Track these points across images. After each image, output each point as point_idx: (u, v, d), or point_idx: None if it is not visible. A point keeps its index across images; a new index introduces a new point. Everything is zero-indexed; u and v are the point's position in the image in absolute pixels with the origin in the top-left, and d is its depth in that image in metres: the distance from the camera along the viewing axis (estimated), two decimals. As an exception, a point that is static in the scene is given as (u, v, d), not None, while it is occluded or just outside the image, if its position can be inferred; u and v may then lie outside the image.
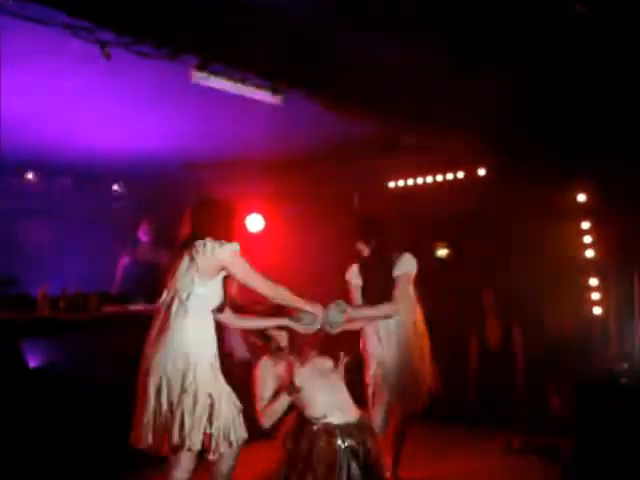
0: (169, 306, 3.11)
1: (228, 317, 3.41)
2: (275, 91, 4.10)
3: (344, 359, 3.52)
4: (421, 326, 4.28)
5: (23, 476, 4.05)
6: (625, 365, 4.64)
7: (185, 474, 3.11)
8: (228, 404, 3.11)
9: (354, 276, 4.25)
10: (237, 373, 3.76)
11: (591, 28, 3.97)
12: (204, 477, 3.24)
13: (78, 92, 4.53)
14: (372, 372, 4.22)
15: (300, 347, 3.55)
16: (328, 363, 3.53)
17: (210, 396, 3.04)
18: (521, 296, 5.81)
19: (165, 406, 2.98)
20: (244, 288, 3.32)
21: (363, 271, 4.22)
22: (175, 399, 2.97)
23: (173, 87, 4.22)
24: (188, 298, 3.09)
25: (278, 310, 3.48)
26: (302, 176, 6.91)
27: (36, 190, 6.88)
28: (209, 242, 3.15)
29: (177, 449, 3.00)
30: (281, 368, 3.44)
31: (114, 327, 4.86)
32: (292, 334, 3.52)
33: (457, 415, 5.71)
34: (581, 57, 4.35)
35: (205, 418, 3.01)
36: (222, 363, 3.21)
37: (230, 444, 3.08)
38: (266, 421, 3.34)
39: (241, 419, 3.17)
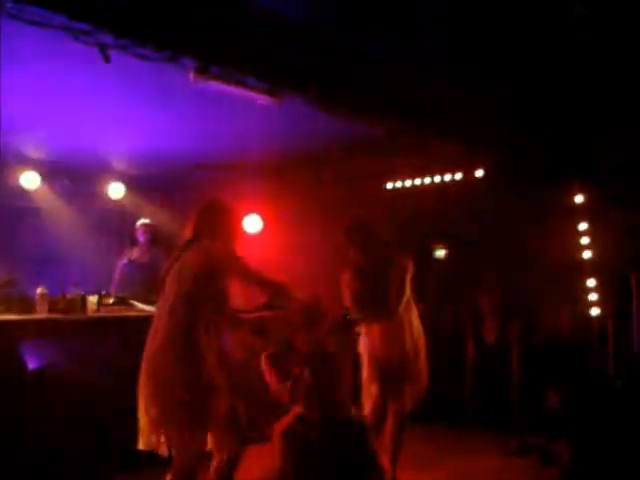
0: (169, 307, 3.12)
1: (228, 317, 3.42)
2: (273, 93, 4.11)
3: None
4: (417, 326, 4.30)
5: (22, 476, 4.06)
6: (622, 366, 4.67)
7: (190, 474, 3.13)
8: (229, 404, 3.13)
9: (349, 281, 4.26)
10: (236, 374, 3.77)
11: (591, 30, 3.99)
12: (205, 477, 3.25)
13: (78, 92, 4.54)
14: (368, 371, 4.25)
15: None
16: None
17: (212, 396, 3.06)
18: (519, 297, 5.83)
19: (167, 407, 3.00)
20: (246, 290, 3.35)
21: (358, 276, 4.24)
22: (177, 400, 2.98)
23: (173, 88, 4.23)
24: (188, 299, 3.10)
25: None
26: (300, 177, 6.92)
27: (36, 190, 6.87)
28: (207, 243, 3.17)
29: (180, 449, 3.01)
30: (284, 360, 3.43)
31: (113, 328, 4.86)
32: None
33: (454, 416, 5.72)
34: (579, 58, 4.36)
35: (208, 419, 3.03)
36: (223, 364, 3.22)
37: (232, 444, 3.09)
38: (290, 397, 3.33)
39: (242, 419, 3.18)
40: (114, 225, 7.25)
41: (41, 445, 4.15)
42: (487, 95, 4.80)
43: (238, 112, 4.70)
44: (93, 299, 5.08)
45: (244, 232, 7.25)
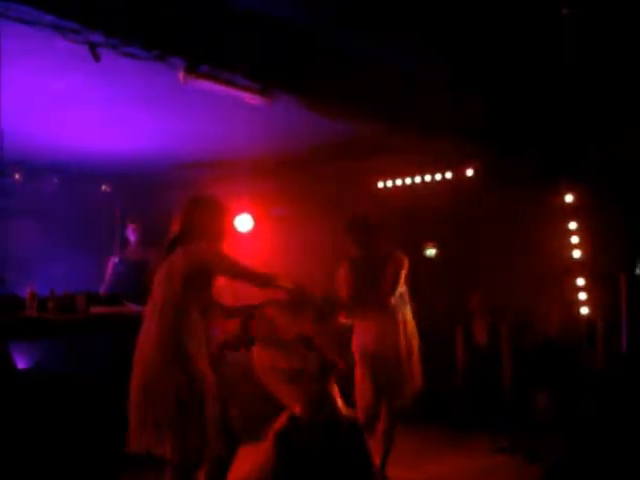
0: (158, 311, 3.11)
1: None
2: (263, 92, 4.11)
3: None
4: (411, 325, 4.32)
5: (12, 478, 4.03)
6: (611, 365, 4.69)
7: (188, 475, 3.11)
8: (221, 406, 3.13)
9: (344, 275, 4.28)
10: (229, 374, 3.77)
11: (579, 30, 4.01)
12: (200, 477, 3.24)
13: (66, 92, 4.51)
14: (361, 370, 4.26)
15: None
16: None
17: (203, 398, 3.04)
18: (509, 296, 5.84)
19: (158, 410, 2.99)
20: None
21: (353, 270, 4.26)
22: (167, 402, 2.97)
23: (162, 87, 4.21)
24: (175, 303, 3.09)
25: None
26: (291, 176, 6.92)
27: (24, 190, 6.84)
28: (192, 245, 3.16)
29: (175, 450, 3.00)
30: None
31: (103, 328, 4.84)
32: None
33: (444, 415, 5.74)
34: (569, 57, 4.38)
35: (200, 418, 3.02)
36: (214, 365, 3.22)
37: (224, 444, 3.09)
38: None
39: (234, 419, 3.18)
40: (104, 225, 7.21)
41: (30, 446, 4.13)
42: (478, 95, 4.81)
43: (229, 111, 4.69)
44: (83, 299, 5.06)
45: (234, 228, 7.25)
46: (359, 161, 6.34)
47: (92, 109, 4.90)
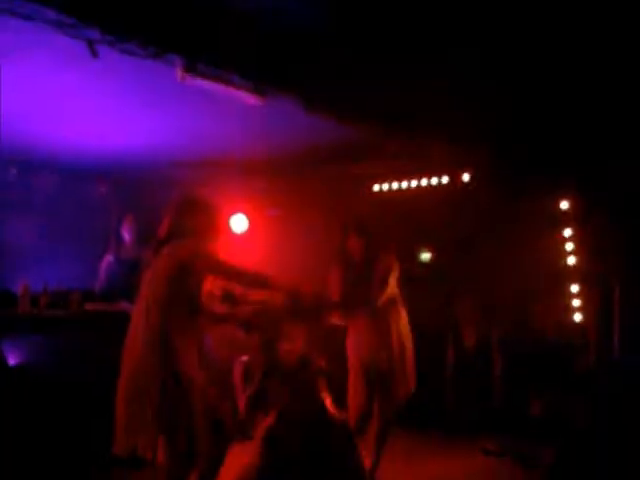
0: (145, 312, 3.09)
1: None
2: (259, 92, 4.11)
3: None
4: (405, 328, 4.32)
5: (2, 476, 4.02)
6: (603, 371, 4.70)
7: (179, 475, 3.10)
8: (211, 405, 3.12)
9: (336, 277, 4.29)
10: (220, 374, 3.76)
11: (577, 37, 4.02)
12: (192, 476, 3.23)
13: (63, 89, 4.50)
14: (354, 372, 4.26)
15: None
16: None
17: (192, 399, 3.04)
18: (503, 301, 5.85)
19: (147, 406, 2.98)
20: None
21: (345, 272, 4.27)
22: (154, 397, 2.97)
23: (159, 85, 4.21)
24: (161, 304, 3.07)
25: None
26: (287, 177, 6.92)
27: (20, 186, 6.83)
28: (177, 245, 3.15)
29: (167, 451, 3.00)
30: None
31: (96, 325, 4.84)
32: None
33: (435, 419, 5.74)
34: (565, 65, 4.39)
35: (187, 417, 3.02)
36: (204, 365, 3.21)
37: (214, 443, 3.08)
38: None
39: (227, 421, 3.18)
40: (99, 222, 7.20)
41: (21, 443, 4.12)
42: (473, 101, 4.82)
43: (226, 111, 4.70)
44: (77, 296, 5.05)
45: (225, 228, 7.23)
46: (355, 163, 6.34)
47: (89, 107, 4.90)
